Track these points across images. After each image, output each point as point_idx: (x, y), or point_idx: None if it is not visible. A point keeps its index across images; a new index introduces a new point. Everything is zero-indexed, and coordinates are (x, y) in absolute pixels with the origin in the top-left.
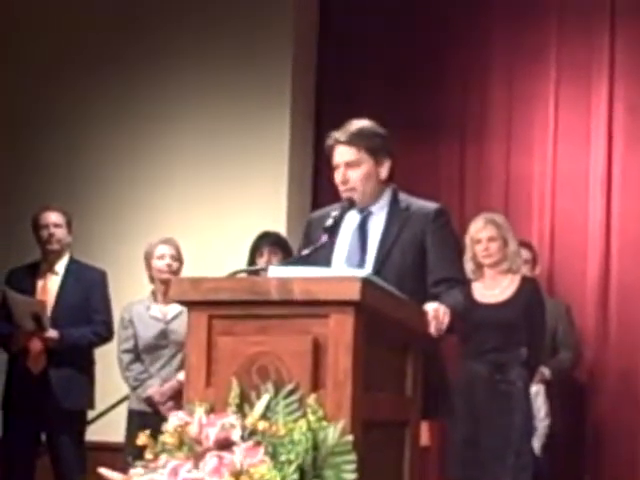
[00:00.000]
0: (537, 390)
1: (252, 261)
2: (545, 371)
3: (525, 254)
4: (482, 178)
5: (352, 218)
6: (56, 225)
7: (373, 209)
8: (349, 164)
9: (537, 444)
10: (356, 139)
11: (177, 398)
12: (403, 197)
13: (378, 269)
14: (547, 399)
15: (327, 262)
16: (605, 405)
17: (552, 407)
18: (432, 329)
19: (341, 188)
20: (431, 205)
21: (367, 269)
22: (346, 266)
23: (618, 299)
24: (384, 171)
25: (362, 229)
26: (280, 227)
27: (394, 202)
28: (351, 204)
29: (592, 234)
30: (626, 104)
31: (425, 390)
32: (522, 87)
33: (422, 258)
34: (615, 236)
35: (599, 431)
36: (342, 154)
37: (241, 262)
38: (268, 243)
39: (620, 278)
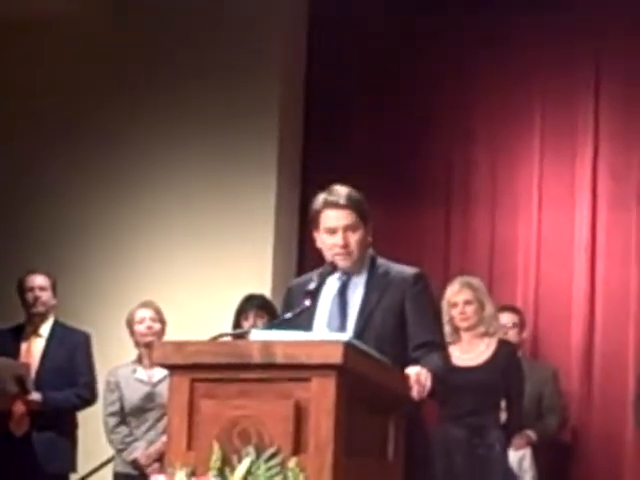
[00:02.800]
0: (523, 454)
1: (237, 324)
2: (531, 434)
3: (512, 318)
4: (466, 244)
5: (332, 283)
6: (41, 288)
7: (352, 274)
8: (348, 228)
9: None
10: (353, 203)
11: (163, 460)
12: (381, 262)
13: (359, 334)
14: (533, 462)
15: (308, 327)
16: (590, 467)
17: (538, 470)
18: (414, 393)
19: (337, 251)
20: (410, 270)
21: (349, 333)
22: (327, 331)
23: (602, 363)
24: (370, 237)
25: (342, 294)
26: (265, 292)
27: (372, 267)
28: (334, 268)
29: (576, 299)
30: (610, 171)
31: (408, 458)
32: (506, 154)
33: (402, 323)
34: (599, 301)
35: None
36: (341, 217)
37: (227, 326)
38: (254, 306)
39: (604, 342)
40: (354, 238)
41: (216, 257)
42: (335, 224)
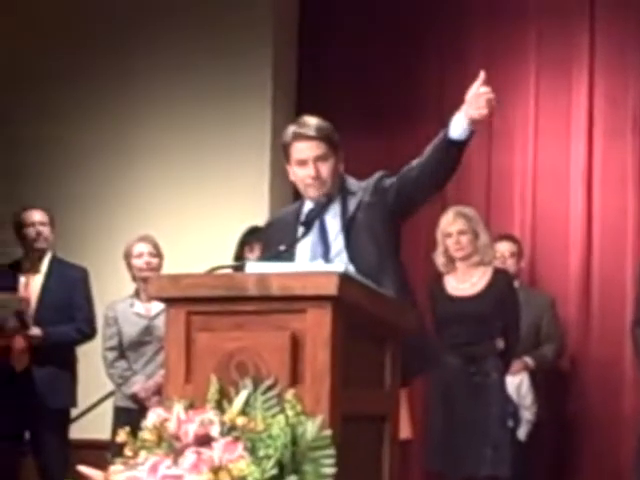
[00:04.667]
0: (521, 379)
1: (240, 255)
2: (529, 360)
3: (510, 247)
4: (463, 173)
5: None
6: (42, 223)
7: (328, 203)
8: (319, 158)
9: (523, 431)
10: (323, 134)
11: (162, 393)
12: (351, 181)
13: (351, 257)
14: (532, 387)
15: (291, 259)
16: (588, 394)
17: (537, 397)
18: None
19: (308, 182)
20: (373, 177)
21: (342, 259)
22: (310, 261)
23: (600, 290)
24: (342, 166)
25: (321, 224)
26: (262, 221)
27: (344, 189)
28: (329, 200)
29: (573, 226)
30: (606, 97)
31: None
32: (502, 82)
33: (391, 223)
34: (596, 228)
35: (583, 419)
36: (311, 149)
37: (225, 257)
38: (258, 238)
39: (601, 269)
40: (325, 168)
41: (213, 190)
42: (305, 156)
